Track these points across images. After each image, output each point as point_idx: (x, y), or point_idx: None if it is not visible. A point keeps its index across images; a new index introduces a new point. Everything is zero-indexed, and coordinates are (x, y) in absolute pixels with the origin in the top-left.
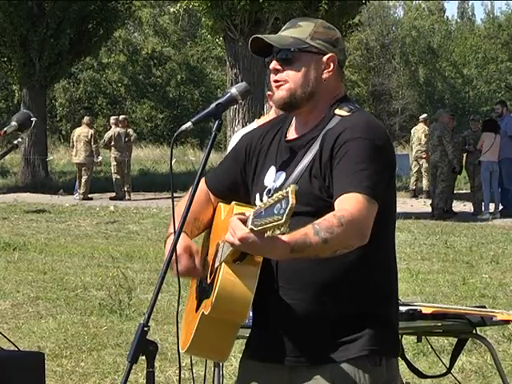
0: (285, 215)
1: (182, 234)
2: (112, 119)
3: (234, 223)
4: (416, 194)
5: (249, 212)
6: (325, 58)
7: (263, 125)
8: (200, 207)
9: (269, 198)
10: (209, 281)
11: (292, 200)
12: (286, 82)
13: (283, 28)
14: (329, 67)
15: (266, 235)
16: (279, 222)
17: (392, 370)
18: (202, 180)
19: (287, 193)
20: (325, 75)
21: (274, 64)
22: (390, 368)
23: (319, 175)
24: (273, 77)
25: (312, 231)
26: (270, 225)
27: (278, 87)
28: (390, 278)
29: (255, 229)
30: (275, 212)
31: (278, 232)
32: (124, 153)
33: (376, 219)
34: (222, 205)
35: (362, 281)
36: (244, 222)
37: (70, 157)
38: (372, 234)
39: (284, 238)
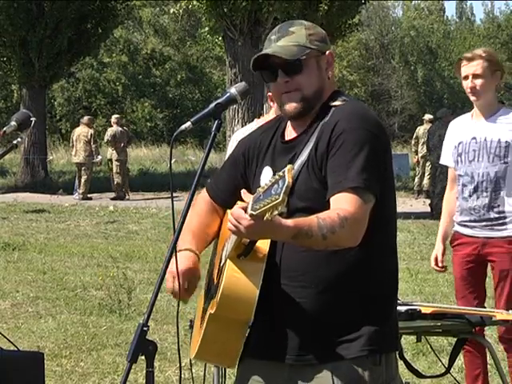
0: (282, 194)
1: (189, 253)
2: (113, 118)
3: (234, 212)
4: (423, 194)
5: (249, 199)
6: (326, 58)
7: (259, 128)
8: (207, 219)
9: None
10: (216, 281)
11: (288, 179)
12: (297, 90)
13: (275, 37)
14: (329, 64)
15: (265, 218)
16: (276, 202)
17: (391, 367)
18: (204, 191)
19: (284, 172)
20: (329, 73)
21: (283, 77)
22: (389, 365)
23: (316, 167)
24: (283, 89)
25: (316, 225)
26: (268, 206)
27: (290, 98)
28: (392, 275)
29: (254, 213)
30: (273, 193)
31: (276, 212)
32: (124, 152)
33: (376, 217)
34: (229, 211)
35: (364, 279)
36: (245, 209)
37: (70, 157)
38: (373, 232)
39: (289, 222)
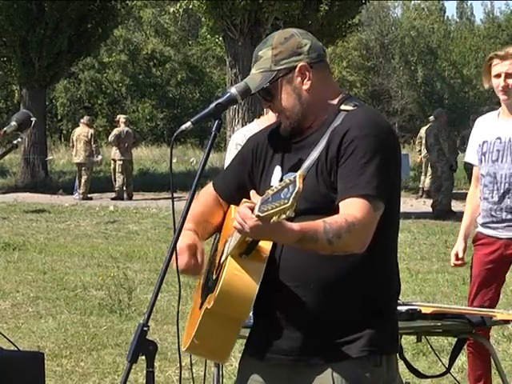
0: (291, 199)
1: (190, 233)
2: (122, 118)
3: (241, 211)
4: (424, 194)
5: (257, 199)
6: (296, 72)
7: (268, 126)
8: (210, 210)
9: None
10: (214, 276)
11: (299, 184)
12: (280, 111)
13: (252, 62)
14: (305, 77)
15: (272, 220)
16: (285, 206)
17: (392, 369)
18: (210, 185)
19: (295, 177)
20: (305, 86)
21: (265, 103)
22: (389, 367)
23: (325, 171)
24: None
25: (322, 229)
26: (277, 209)
27: (280, 118)
28: (392, 277)
29: (261, 215)
30: (282, 197)
31: (283, 216)
32: (128, 153)
33: (381, 220)
34: (233, 206)
35: (364, 281)
36: (252, 209)
37: (70, 157)
38: (376, 234)
39: (294, 226)
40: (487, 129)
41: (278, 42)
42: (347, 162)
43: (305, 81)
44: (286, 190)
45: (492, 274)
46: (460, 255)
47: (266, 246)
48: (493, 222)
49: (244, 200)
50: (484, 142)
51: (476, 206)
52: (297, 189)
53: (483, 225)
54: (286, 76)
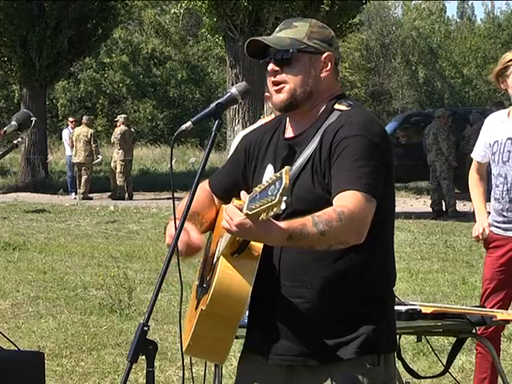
0: (278, 195)
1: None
2: (122, 118)
3: (229, 210)
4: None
5: (245, 198)
6: (323, 57)
7: (261, 126)
8: (202, 204)
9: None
10: (209, 277)
11: (285, 180)
12: (285, 82)
13: (278, 28)
14: (326, 66)
15: (260, 218)
16: (272, 203)
17: (389, 368)
18: (206, 182)
19: (281, 173)
20: (323, 74)
21: (272, 66)
22: (387, 366)
23: (320, 173)
24: (271, 78)
25: (311, 222)
26: (264, 206)
27: (277, 90)
28: (389, 275)
29: (250, 213)
30: (269, 193)
31: (271, 213)
32: (130, 152)
33: (375, 217)
34: (224, 206)
35: (361, 279)
36: (240, 209)
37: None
38: (371, 232)
39: (282, 224)
40: (498, 128)
41: (317, 25)
42: (338, 161)
43: (325, 69)
44: (272, 186)
45: (504, 276)
46: (486, 224)
47: (258, 244)
48: (504, 223)
49: (234, 199)
50: (495, 142)
51: (484, 187)
52: (283, 185)
53: (494, 224)
54: (313, 54)
